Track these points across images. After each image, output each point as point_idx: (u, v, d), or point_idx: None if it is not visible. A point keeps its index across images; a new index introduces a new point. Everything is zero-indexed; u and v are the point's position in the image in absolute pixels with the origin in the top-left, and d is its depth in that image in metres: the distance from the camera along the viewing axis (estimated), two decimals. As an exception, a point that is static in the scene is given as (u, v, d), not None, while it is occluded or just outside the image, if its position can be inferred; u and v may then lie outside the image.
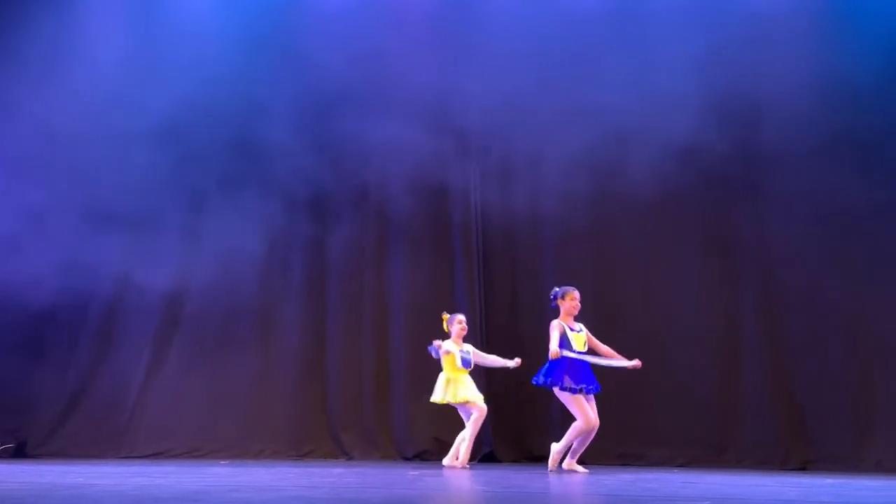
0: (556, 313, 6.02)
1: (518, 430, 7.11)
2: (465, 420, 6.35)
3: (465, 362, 6.38)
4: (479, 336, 7.19)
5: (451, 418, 7.07)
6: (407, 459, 6.96)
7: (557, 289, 6.05)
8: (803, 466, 6.50)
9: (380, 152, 7.34)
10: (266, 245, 7.30)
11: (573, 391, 5.78)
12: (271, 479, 4.87)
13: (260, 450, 7.10)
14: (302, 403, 7.26)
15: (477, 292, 7.28)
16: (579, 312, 6.06)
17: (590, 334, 6.01)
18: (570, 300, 5.98)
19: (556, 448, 5.93)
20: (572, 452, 5.90)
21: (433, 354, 6.42)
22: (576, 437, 5.83)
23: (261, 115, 7.35)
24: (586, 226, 7.28)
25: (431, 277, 7.35)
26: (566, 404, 5.85)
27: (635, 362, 5.82)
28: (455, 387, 6.30)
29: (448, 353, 6.32)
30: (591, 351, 5.96)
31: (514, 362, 6.38)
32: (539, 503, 3.81)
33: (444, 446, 6.99)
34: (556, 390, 5.82)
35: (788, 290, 6.81)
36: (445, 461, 6.33)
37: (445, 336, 6.46)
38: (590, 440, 5.87)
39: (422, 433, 7.05)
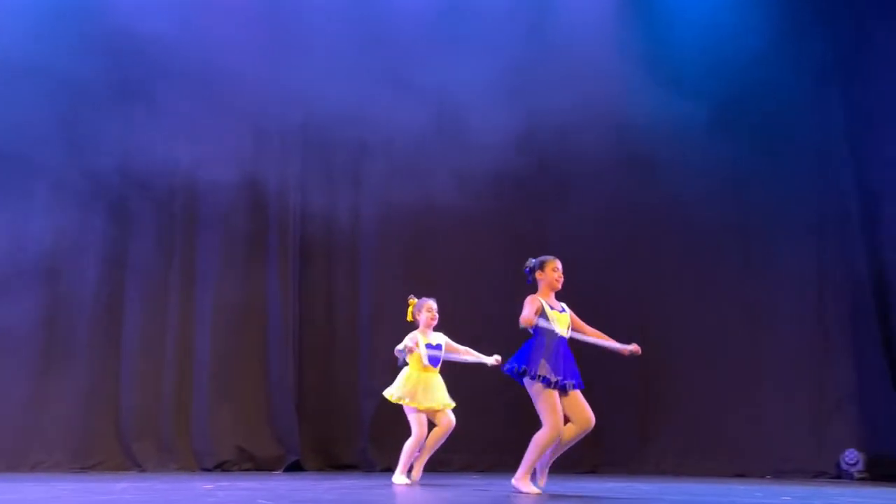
0: (532, 290, 4.88)
1: (325, 437, 6.92)
2: (414, 426, 5.47)
3: (434, 360, 5.52)
4: (291, 340, 6.93)
5: (256, 426, 6.77)
6: (207, 471, 6.56)
7: (533, 259, 4.89)
8: (593, 469, 6.87)
9: (192, 142, 6.88)
10: (54, 241, 6.62)
11: (545, 382, 4.58)
12: (38, 496, 4.37)
13: (37, 462, 6.41)
14: (90, 410, 6.63)
15: (291, 294, 7.01)
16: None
17: (575, 316, 4.86)
18: (551, 271, 4.81)
19: (516, 479, 4.77)
20: (538, 466, 4.81)
21: (400, 358, 5.54)
22: (540, 452, 4.63)
23: (66, 92, 6.65)
24: (406, 229, 7.26)
25: (243, 277, 6.99)
26: (534, 401, 4.64)
27: (633, 347, 4.76)
28: (422, 390, 5.43)
29: (411, 350, 5.44)
30: (579, 333, 4.89)
31: (493, 359, 5.54)
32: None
33: (247, 456, 6.68)
34: (525, 380, 4.64)
35: (584, 296, 7.11)
36: (395, 478, 5.51)
37: (410, 327, 5.67)
38: (566, 447, 4.77)
39: (224, 442, 6.68)
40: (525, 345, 4.73)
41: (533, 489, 4.69)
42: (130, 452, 6.52)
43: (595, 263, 7.22)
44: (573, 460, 6.94)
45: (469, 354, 5.65)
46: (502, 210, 7.26)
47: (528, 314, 4.63)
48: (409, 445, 5.52)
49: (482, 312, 7.15)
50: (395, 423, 6.95)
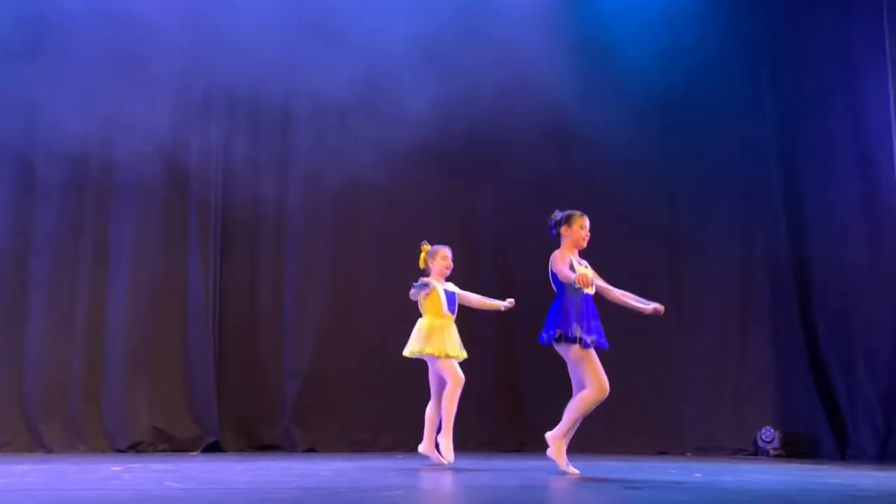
0: (555, 244, 4.61)
1: (247, 417, 6.73)
2: (433, 388, 5.12)
3: (452, 308, 5.16)
4: (212, 317, 6.69)
5: (173, 405, 6.54)
6: (120, 452, 6.31)
7: (559, 212, 4.61)
8: (519, 447, 6.90)
9: (105, 106, 6.52)
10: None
11: (584, 344, 4.36)
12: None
13: (-64, 444, 6.06)
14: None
15: (212, 269, 6.74)
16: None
17: (597, 275, 4.62)
18: (579, 228, 4.55)
19: (552, 436, 4.57)
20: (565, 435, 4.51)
21: (416, 294, 5.13)
22: (583, 413, 4.41)
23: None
24: (333, 205, 7.08)
25: (160, 250, 6.70)
26: (573, 365, 4.41)
27: (657, 305, 4.51)
28: (441, 337, 5.06)
29: (430, 292, 5.07)
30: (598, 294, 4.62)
31: (507, 302, 5.29)
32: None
33: (163, 436, 6.46)
34: (559, 346, 4.40)
35: (521, 273, 7.08)
36: (422, 448, 5.20)
37: (421, 273, 5.31)
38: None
39: (138, 422, 6.42)
40: (553, 308, 4.46)
41: (570, 468, 4.50)
42: (37, 433, 6.22)
43: (527, 241, 7.18)
44: (498, 439, 6.98)
45: (482, 303, 5.35)
46: (431, 185, 7.16)
47: (569, 273, 4.31)
48: (449, 395, 5.06)
49: (401, 296, 7.03)
50: (317, 402, 6.84)
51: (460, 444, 6.76)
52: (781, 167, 7.40)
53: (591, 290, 4.48)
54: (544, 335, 4.47)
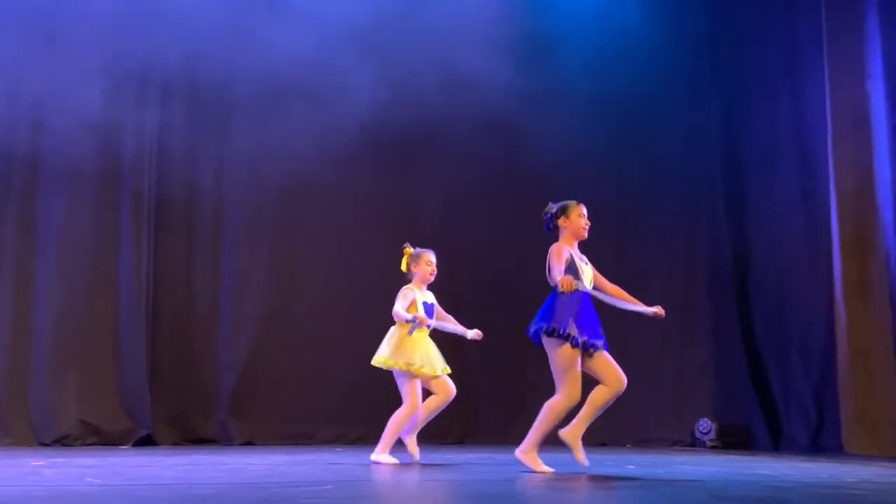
0: (553, 238, 4.32)
1: (181, 410, 6.56)
2: (407, 395, 4.75)
3: (430, 318, 4.81)
4: (145, 306, 6.49)
5: (103, 397, 6.33)
6: (45, 446, 6.08)
7: (554, 204, 4.33)
8: (462, 440, 6.87)
9: (33, 82, 6.25)
10: None
11: (574, 343, 4.09)
12: None
13: None
14: None
15: (146, 257, 6.53)
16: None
17: (596, 271, 4.35)
18: (577, 217, 4.26)
19: (520, 450, 4.25)
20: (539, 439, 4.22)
21: (412, 331, 4.72)
22: (552, 421, 4.12)
23: None
24: (274, 196, 6.94)
25: (91, 236, 6.47)
26: (554, 363, 4.11)
27: (656, 308, 4.21)
28: (413, 351, 4.70)
29: (423, 322, 4.68)
30: (600, 291, 4.31)
31: (473, 333, 4.90)
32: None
33: (92, 429, 6.24)
34: (546, 340, 4.12)
35: (467, 269, 7.05)
36: (377, 455, 4.80)
37: (401, 280, 4.94)
38: (602, 411, 4.17)
39: (66, 415, 6.20)
40: (548, 301, 4.17)
41: (544, 467, 4.20)
42: (-43, 427, 5.97)
43: (471, 235, 7.15)
44: (441, 431, 6.91)
45: (452, 323, 4.94)
46: (376, 176, 7.06)
47: (560, 271, 4.03)
48: (398, 417, 4.77)
49: (353, 284, 6.95)
50: (255, 395, 6.70)
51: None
52: (724, 163, 7.47)
53: (589, 289, 4.21)
54: (533, 328, 4.19)
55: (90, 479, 3.87)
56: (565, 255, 4.16)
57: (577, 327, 4.11)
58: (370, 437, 6.69)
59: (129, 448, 6.12)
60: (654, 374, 7.32)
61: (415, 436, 4.95)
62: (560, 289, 4.01)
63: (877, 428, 5.82)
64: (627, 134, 7.40)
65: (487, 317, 6.90)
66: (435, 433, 6.88)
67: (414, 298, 4.82)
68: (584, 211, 4.31)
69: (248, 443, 6.51)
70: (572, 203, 4.31)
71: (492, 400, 7.03)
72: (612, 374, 4.17)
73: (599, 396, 4.16)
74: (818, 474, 4.44)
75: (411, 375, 4.77)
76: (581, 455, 4.24)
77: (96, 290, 6.43)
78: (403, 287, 4.90)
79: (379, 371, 6.88)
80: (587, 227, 4.30)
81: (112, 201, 6.55)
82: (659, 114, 7.47)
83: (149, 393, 6.35)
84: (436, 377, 4.86)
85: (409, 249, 4.98)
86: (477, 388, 6.98)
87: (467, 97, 6.81)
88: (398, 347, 4.78)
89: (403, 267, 4.98)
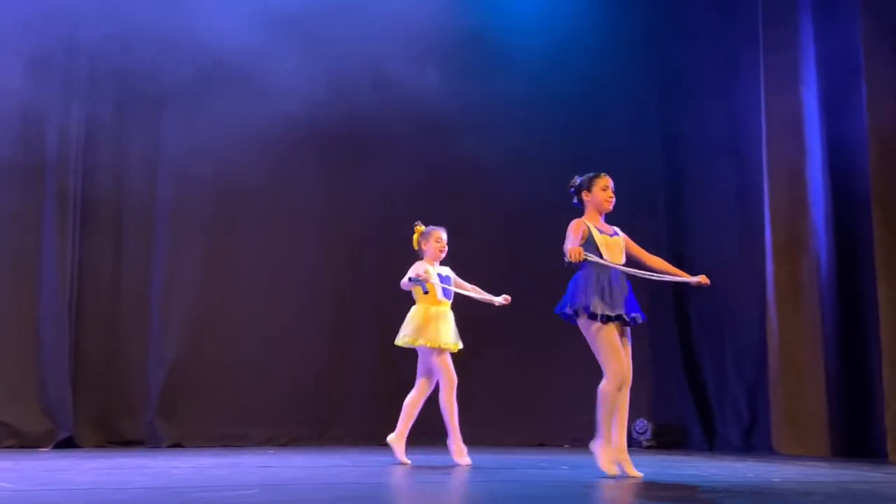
0: (577, 213, 4.21)
1: (106, 410, 6.31)
2: (419, 378, 4.86)
3: (447, 293, 4.90)
4: (68, 301, 6.21)
5: (21, 397, 6.04)
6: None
7: (579, 177, 4.23)
8: (385, 441, 6.73)
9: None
10: None
11: (602, 319, 3.94)
12: None
13: None
14: None
15: (70, 249, 6.21)
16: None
17: (630, 240, 4.21)
18: (600, 191, 4.15)
19: (595, 444, 4.10)
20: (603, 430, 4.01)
21: (409, 286, 4.78)
22: (608, 407, 3.96)
23: None
24: (207, 190, 6.72)
25: (11, 226, 6.18)
26: (590, 344, 4.02)
27: (700, 277, 4.11)
28: (437, 327, 4.76)
29: (427, 288, 4.72)
30: (633, 264, 4.15)
31: (501, 299, 4.95)
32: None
33: (10, 431, 5.96)
34: (580, 321, 4.00)
35: (404, 266, 6.95)
36: (391, 438, 4.92)
37: (413, 257, 5.00)
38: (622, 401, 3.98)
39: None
40: (572, 280, 4.06)
41: (613, 469, 4.01)
42: None
43: (410, 225, 7.06)
44: (371, 432, 6.75)
45: (476, 292, 5.01)
46: (312, 171, 6.91)
47: (571, 244, 3.91)
48: (446, 396, 4.84)
49: (287, 282, 6.80)
50: (185, 395, 6.49)
51: (335, 441, 6.61)
52: (664, 165, 7.53)
53: (618, 262, 4.07)
54: (558, 308, 4.09)
55: (1, 484, 3.66)
56: (581, 230, 4.07)
57: (607, 303, 3.94)
58: (304, 439, 6.60)
59: (48, 451, 5.85)
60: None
61: (458, 438, 4.96)
62: (567, 258, 3.92)
63: (805, 428, 5.92)
64: (571, 129, 7.36)
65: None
66: (372, 435, 6.69)
67: (426, 269, 4.87)
68: (610, 183, 4.19)
69: (177, 445, 6.30)
70: (595, 176, 4.21)
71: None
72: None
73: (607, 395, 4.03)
74: (745, 474, 4.48)
75: (439, 350, 4.81)
76: (630, 468, 4.08)
77: (16, 287, 6.13)
78: (416, 262, 4.97)
79: (316, 371, 6.78)
80: (611, 201, 4.18)
81: (35, 194, 6.25)
82: (600, 114, 7.48)
83: (71, 393, 6.08)
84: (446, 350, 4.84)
85: (421, 227, 5.06)
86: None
87: (406, 96, 6.73)
88: (421, 325, 4.83)
89: (415, 244, 5.06)
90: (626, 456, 4.07)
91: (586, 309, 3.96)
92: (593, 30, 7.36)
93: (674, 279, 4.18)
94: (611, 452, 4.03)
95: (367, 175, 7.07)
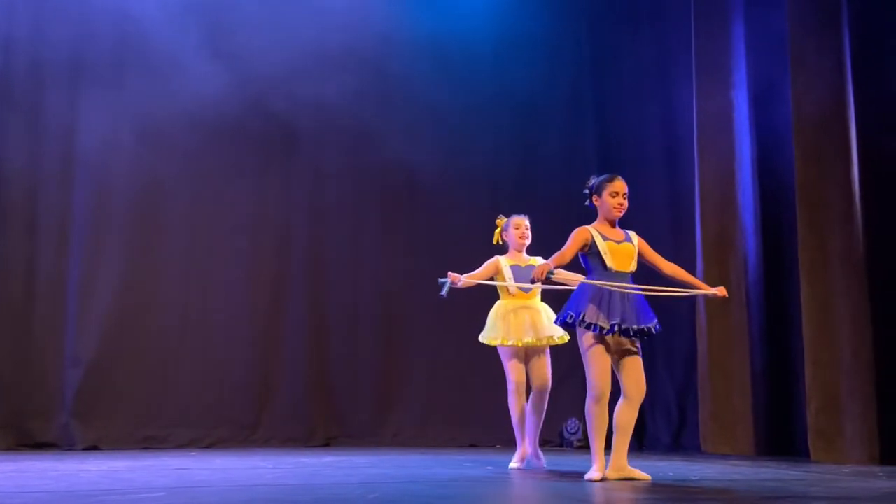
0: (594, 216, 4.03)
1: (17, 412, 6.02)
2: (507, 373, 4.54)
3: (530, 286, 4.50)
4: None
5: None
6: None
7: (594, 178, 4.01)
8: (327, 443, 6.67)
9: None
10: None
11: (593, 329, 3.76)
12: None
13: None
14: None
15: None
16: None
17: (646, 245, 4.02)
18: (609, 196, 3.90)
19: (612, 475, 3.90)
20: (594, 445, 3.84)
21: (444, 290, 4.43)
22: (596, 428, 3.80)
23: None
24: (128, 185, 6.50)
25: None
26: (582, 354, 3.85)
27: (718, 289, 3.95)
28: (507, 323, 4.49)
29: (449, 287, 4.39)
30: (648, 271, 3.99)
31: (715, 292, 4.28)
32: None
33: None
34: (578, 331, 3.84)
35: (334, 269, 6.86)
36: (516, 462, 4.63)
37: (493, 251, 4.75)
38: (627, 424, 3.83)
39: None
40: (577, 288, 3.91)
41: (596, 475, 3.86)
42: None
43: (342, 237, 6.94)
44: (306, 433, 6.64)
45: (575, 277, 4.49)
46: (234, 166, 6.71)
47: (568, 251, 3.76)
48: (510, 404, 4.63)
49: (208, 281, 6.61)
50: (104, 395, 6.24)
51: (261, 442, 6.44)
52: (599, 164, 7.52)
53: (627, 269, 3.90)
54: (557, 317, 3.97)
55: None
56: (582, 238, 3.87)
57: (604, 312, 3.75)
58: (229, 441, 6.40)
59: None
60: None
61: (526, 442, 4.72)
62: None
63: (731, 427, 5.97)
64: (505, 129, 7.32)
65: (356, 323, 6.76)
66: (300, 436, 6.59)
67: (498, 266, 4.62)
68: (622, 187, 3.93)
69: (93, 447, 6.04)
70: (606, 179, 3.97)
71: (359, 398, 6.83)
72: (630, 381, 3.87)
73: (623, 416, 3.87)
74: (666, 473, 4.47)
75: (505, 348, 4.58)
76: (639, 474, 3.95)
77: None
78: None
79: (242, 371, 6.57)
80: (621, 207, 3.93)
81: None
82: (536, 116, 7.44)
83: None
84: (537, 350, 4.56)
85: (502, 220, 4.81)
86: (343, 386, 6.78)
87: (336, 98, 6.64)
88: (491, 322, 4.60)
89: (495, 238, 4.84)
90: (628, 471, 3.91)
91: (576, 317, 3.82)
92: (528, 32, 7.33)
93: (687, 293, 3.97)
94: (614, 474, 3.88)
95: (295, 175, 6.92)
